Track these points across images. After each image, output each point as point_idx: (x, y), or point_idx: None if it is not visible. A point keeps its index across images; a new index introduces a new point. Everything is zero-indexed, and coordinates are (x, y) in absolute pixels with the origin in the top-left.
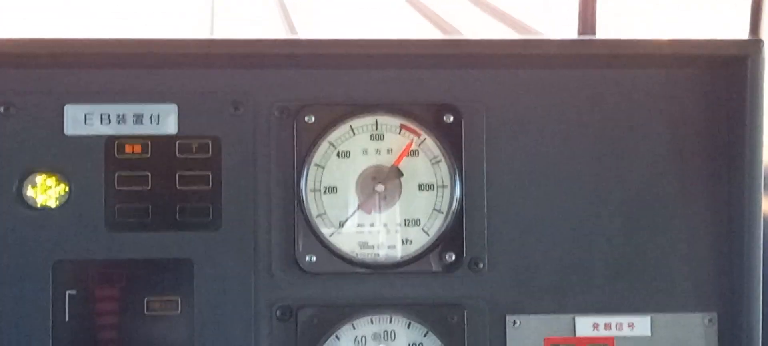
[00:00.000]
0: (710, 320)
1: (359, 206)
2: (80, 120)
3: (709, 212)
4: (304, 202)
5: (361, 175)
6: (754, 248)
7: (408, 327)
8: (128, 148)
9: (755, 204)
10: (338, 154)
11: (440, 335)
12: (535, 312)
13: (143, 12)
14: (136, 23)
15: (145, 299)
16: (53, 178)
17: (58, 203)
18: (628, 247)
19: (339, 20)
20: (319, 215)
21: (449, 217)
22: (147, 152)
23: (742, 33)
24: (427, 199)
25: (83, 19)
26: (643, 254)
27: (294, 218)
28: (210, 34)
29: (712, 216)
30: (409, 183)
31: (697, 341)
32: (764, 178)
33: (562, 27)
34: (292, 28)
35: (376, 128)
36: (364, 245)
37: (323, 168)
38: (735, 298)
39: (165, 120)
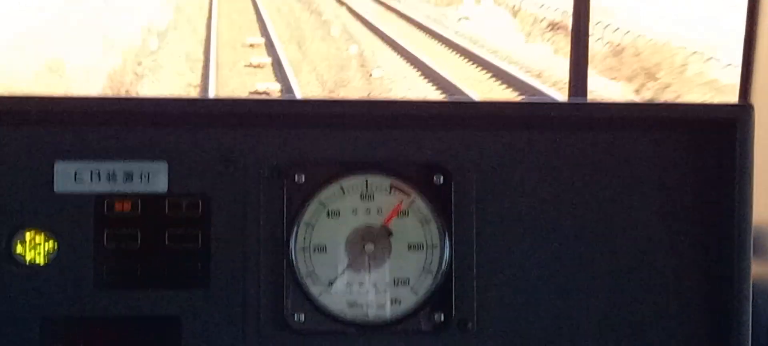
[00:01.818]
0: None
1: (348, 265)
2: (70, 177)
3: (698, 275)
4: (294, 260)
5: (350, 234)
6: (743, 312)
7: None
8: (118, 206)
9: (745, 268)
10: (328, 214)
11: None
12: None
13: None
14: None
15: None
16: (42, 235)
17: (46, 260)
18: (618, 310)
19: None
20: (308, 274)
21: (439, 277)
22: (137, 210)
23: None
24: (416, 259)
25: None
26: (633, 317)
27: (283, 277)
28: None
29: (702, 278)
30: (398, 243)
31: None
32: (754, 241)
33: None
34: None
35: (366, 188)
36: (353, 305)
37: (313, 227)
38: None
39: (155, 178)
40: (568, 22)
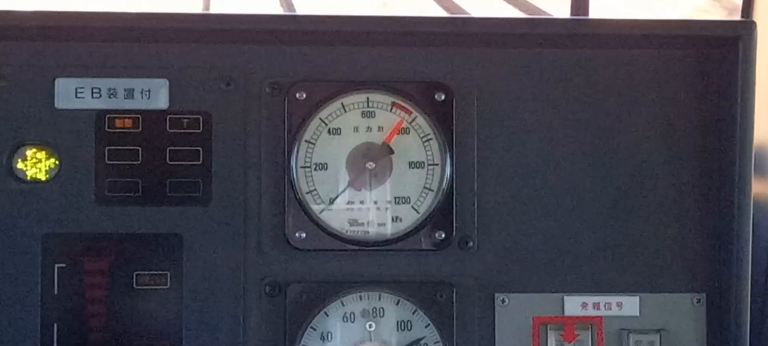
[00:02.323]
0: (699, 301)
1: (350, 183)
2: (71, 94)
3: (699, 193)
4: (294, 178)
5: (351, 152)
6: (743, 229)
7: (397, 304)
8: (119, 123)
9: (746, 186)
10: (329, 132)
11: (429, 313)
12: (524, 291)
13: None
14: None
15: (134, 274)
16: (43, 151)
17: (48, 176)
18: (618, 227)
19: None
20: (309, 192)
21: (439, 195)
22: (138, 127)
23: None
24: (417, 177)
25: None
26: (633, 234)
27: (284, 195)
28: (204, 8)
29: (702, 197)
30: (399, 161)
31: (685, 322)
32: (755, 159)
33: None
34: (289, 6)
35: (368, 106)
36: (353, 222)
37: (314, 145)
38: (724, 279)
39: (156, 95)
40: None
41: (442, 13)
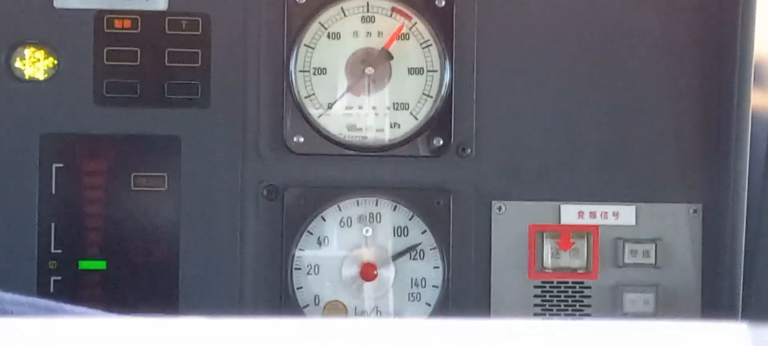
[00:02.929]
0: (695, 211)
1: (348, 88)
2: None
3: (697, 103)
4: (293, 82)
5: (350, 57)
6: (741, 140)
7: (394, 210)
8: (118, 23)
9: (744, 96)
10: (328, 36)
11: (425, 219)
12: (521, 199)
13: None
14: None
15: (132, 175)
16: (42, 50)
17: (46, 75)
18: (615, 137)
19: None
20: (307, 96)
21: (438, 102)
22: (136, 28)
23: None
24: (416, 83)
25: None
26: (630, 144)
27: (282, 99)
28: None
29: (700, 107)
30: (398, 67)
31: (681, 232)
32: (755, 70)
33: None
34: None
35: (367, 10)
36: (352, 128)
37: (313, 49)
38: (720, 189)
39: None
40: None
41: None
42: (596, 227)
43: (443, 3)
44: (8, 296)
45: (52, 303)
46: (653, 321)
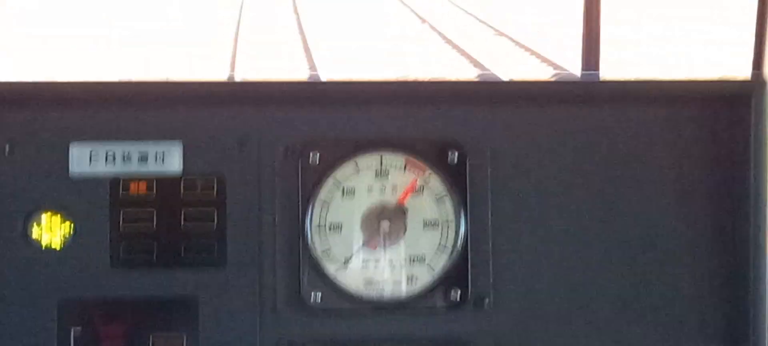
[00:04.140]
0: None
1: (364, 243)
2: (85, 159)
3: (714, 248)
4: (309, 239)
5: (365, 212)
6: (760, 283)
7: None
8: (133, 188)
9: (760, 240)
10: (343, 192)
11: None
12: None
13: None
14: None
15: (151, 337)
16: (58, 217)
17: (63, 242)
18: (634, 284)
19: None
20: (324, 252)
21: (454, 254)
22: (152, 191)
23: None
24: (432, 236)
25: None
26: (649, 291)
27: (299, 256)
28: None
29: (717, 252)
30: (414, 220)
31: None
32: None
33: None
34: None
35: (381, 165)
36: (369, 282)
37: (328, 205)
38: (740, 333)
39: (170, 159)
40: None
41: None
42: None
43: (456, 157)
44: None
45: None
46: None
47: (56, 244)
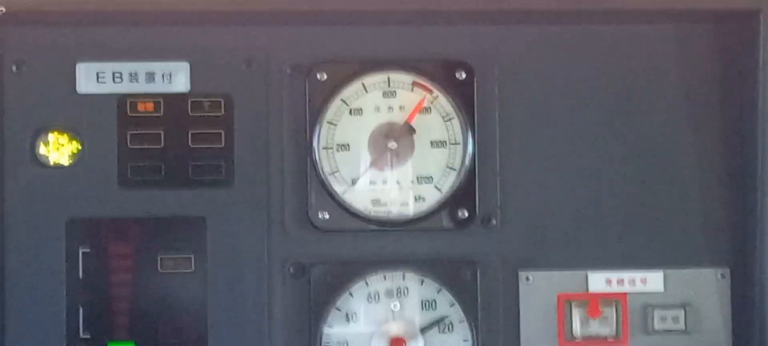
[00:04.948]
0: (723, 275)
1: (372, 163)
2: (92, 78)
3: (722, 167)
4: (317, 159)
5: (373, 132)
6: (766, 201)
7: (421, 284)
8: (141, 107)
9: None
10: (350, 112)
11: (453, 292)
12: (548, 268)
13: None
14: None
15: (159, 257)
16: (66, 136)
17: (70, 160)
18: (641, 202)
19: None
20: (331, 173)
21: (462, 173)
22: (159, 110)
23: None
24: (439, 156)
25: None
26: (656, 209)
27: (307, 176)
28: None
29: (726, 171)
30: (421, 140)
31: (709, 297)
32: None
33: None
34: None
35: (389, 85)
36: (376, 202)
37: (335, 125)
38: (748, 253)
39: (177, 78)
40: None
41: None
42: (624, 294)
43: (464, 76)
44: None
45: None
46: None
47: (64, 163)
